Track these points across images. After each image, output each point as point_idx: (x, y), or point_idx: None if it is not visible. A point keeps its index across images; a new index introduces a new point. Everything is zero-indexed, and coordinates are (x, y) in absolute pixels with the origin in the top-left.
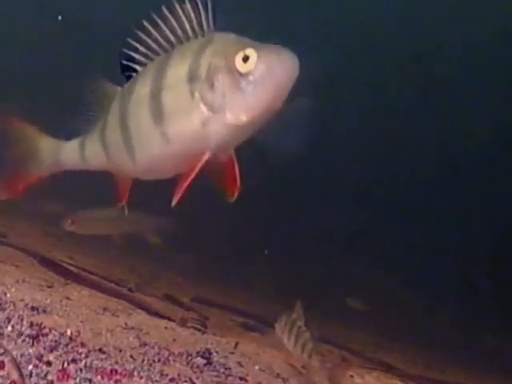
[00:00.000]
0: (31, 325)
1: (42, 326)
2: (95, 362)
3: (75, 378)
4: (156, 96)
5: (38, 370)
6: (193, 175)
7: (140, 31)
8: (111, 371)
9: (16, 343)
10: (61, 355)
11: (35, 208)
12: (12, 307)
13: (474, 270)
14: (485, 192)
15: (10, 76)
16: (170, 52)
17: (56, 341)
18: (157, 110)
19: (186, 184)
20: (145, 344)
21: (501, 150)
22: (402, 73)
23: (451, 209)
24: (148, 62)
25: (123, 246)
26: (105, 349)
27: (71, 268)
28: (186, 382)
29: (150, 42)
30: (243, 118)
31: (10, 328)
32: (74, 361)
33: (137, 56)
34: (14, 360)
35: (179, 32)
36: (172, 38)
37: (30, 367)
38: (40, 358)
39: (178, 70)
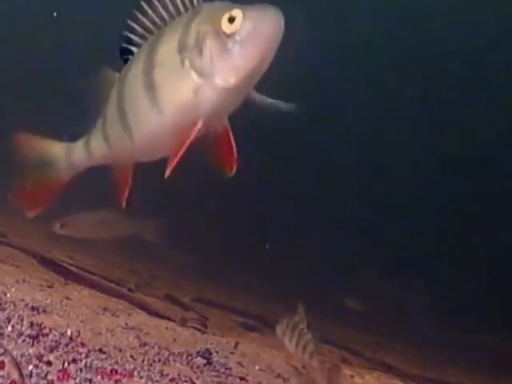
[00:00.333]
0: (31, 325)
1: (42, 326)
2: (95, 361)
3: (75, 378)
4: (149, 72)
5: (38, 370)
6: (187, 144)
7: (137, 12)
8: (111, 371)
9: (16, 343)
10: (61, 355)
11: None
12: (12, 307)
13: (474, 269)
14: (485, 191)
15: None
16: (161, 29)
17: (56, 341)
18: (150, 86)
19: (179, 154)
20: (145, 344)
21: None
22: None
23: (451, 208)
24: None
25: (117, 248)
26: (105, 349)
27: (71, 268)
28: (186, 382)
29: (146, 22)
30: (232, 80)
31: (10, 328)
32: (74, 361)
33: (135, 38)
34: (14, 360)
35: (172, 10)
36: (166, 17)
37: (30, 367)
38: (40, 357)
39: (168, 44)
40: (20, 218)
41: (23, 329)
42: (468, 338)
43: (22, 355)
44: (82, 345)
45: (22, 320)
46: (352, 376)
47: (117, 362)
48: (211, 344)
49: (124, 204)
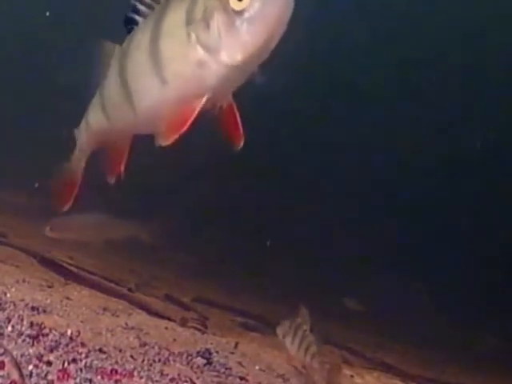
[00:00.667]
0: (31, 325)
1: (42, 325)
2: (95, 362)
3: (75, 378)
4: (154, 42)
5: (38, 370)
6: (192, 118)
7: None
8: (111, 371)
9: (16, 343)
10: (61, 355)
11: (35, 208)
12: (12, 307)
13: (474, 269)
14: (485, 191)
15: None
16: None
17: (56, 341)
18: (155, 56)
19: (183, 128)
20: (145, 344)
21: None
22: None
23: (450, 207)
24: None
25: (117, 248)
26: (105, 349)
27: (71, 268)
28: (186, 382)
29: None
30: (238, 57)
31: (10, 328)
32: (74, 361)
33: (142, 7)
34: (14, 360)
35: None
36: None
37: (30, 367)
38: (40, 357)
39: (175, 16)
40: (20, 218)
41: (23, 329)
42: (468, 337)
43: (22, 355)
44: (82, 345)
45: (22, 320)
46: (352, 376)
47: (117, 362)
48: (211, 344)
49: (113, 180)
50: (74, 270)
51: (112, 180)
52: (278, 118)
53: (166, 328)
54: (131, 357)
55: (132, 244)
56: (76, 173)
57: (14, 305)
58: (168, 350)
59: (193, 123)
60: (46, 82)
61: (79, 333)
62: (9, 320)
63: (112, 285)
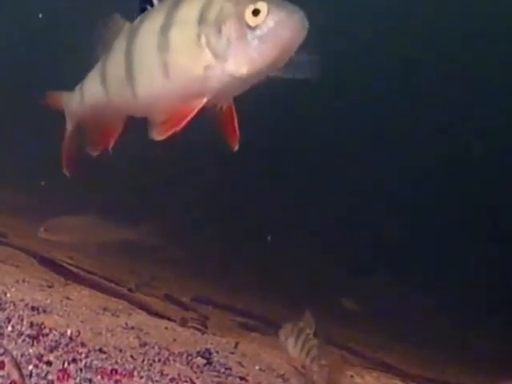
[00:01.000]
0: (31, 325)
1: (42, 326)
2: (95, 361)
3: (75, 378)
4: (164, 32)
5: (38, 370)
6: (189, 118)
7: None
8: (111, 371)
9: (16, 343)
10: (61, 355)
11: (35, 208)
12: (12, 307)
13: (474, 269)
14: (482, 191)
15: None
16: None
17: (56, 341)
18: (163, 46)
19: (179, 125)
20: (145, 344)
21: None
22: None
23: (449, 207)
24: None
25: (117, 248)
26: (105, 349)
27: (71, 268)
28: (186, 381)
29: None
30: (244, 70)
31: (10, 328)
32: (74, 361)
33: None
34: (14, 360)
35: None
36: None
37: (30, 367)
38: (40, 357)
39: (189, 10)
40: (20, 218)
41: (23, 329)
42: (468, 338)
43: (22, 355)
44: (82, 345)
45: (22, 320)
46: (352, 376)
47: (117, 362)
48: (211, 344)
49: (95, 153)
50: (74, 269)
51: (95, 153)
52: (279, 117)
53: (166, 328)
54: (131, 357)
55: (132, 244)
56: (66, 140)
57: (14, 305)
58: (168, 350)
59: (189, 123)
60: (46, 81)
61: (79, 333)
62: (9, 320)
63: (112, 285)
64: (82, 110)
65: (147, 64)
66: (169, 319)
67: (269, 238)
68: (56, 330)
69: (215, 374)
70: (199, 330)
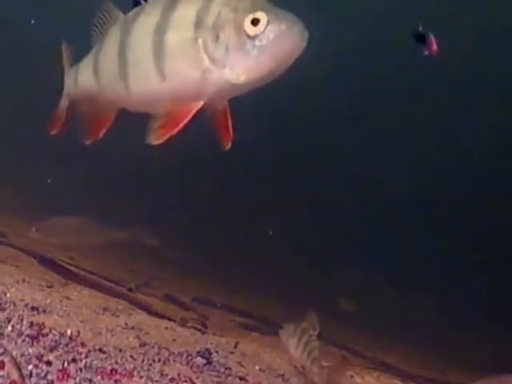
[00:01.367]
0: (31, 325)
1: (42, 325)
2: (95, 361)
3: (75, 378)
4: (160, 32)
5: (38, 370)
6: (184, 121)
7: None
8: (111, 371)
9: (16, 343)
10: (61, 355)
11: (35, 208)
12: (12, 307)
13: (474, 269)
14: (482, 191)
15: None
16: None
17: (56, 341)
18: (159, 47)
19: (175, 128)
20: (145, 344)
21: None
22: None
23: (448, 207)
24: None
25: (117, 248)
26: (105, 349)
27: (71, 268)
28: (186, 381)
29: None
30: (241, 78)
31: (9, 328)
32: (74, 361)
33: None
34: (13, 360)
35: None
36: None
37: (30, 367)
38: (40, 357)
39: (186, 11)
40: (20, 218)
41: (23, 329)
42: (468, 338)
43: (21, 355)
44: (82, 345)
45: (22, 320)
46: (352, 376)
47: (117, 362)
48: (211, 344)
49: (87, 142)
50: (74, 269)
51: (86, 142)
52: (281, 117)
53: (166, 328)
54: (131, 357)
55: (132, 244)
56: (60, 110)
57: (14, 305)
58: (168, 349)
59: (185, 126)
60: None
61: (79, 333)
62: (9, 320)
63: (112, 285)
64: (75, 92)
65: (142, 62)
66: (169, 319)
67: (270, 232)
68: (56, 330)
69: (215, 373)
70: (199, 330)
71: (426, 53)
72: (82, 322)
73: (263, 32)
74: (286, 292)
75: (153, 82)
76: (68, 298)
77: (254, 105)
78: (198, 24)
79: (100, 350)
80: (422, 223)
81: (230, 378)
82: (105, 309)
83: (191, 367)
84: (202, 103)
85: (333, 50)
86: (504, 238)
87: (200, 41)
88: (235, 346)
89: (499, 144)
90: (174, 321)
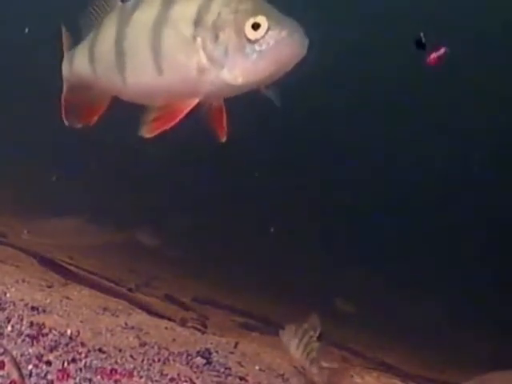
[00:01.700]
0: (31, 325)
1: (42, 325)
2: (95, 361)
3: (75, 378)
4: (159, 26)
5: (38, 370)
6: (179, 117)
7: None
8: (111, 371)
9: (16, 343)
10: (61, 355)
11: (35, 208)
12: (12, 307)
13: (474, 269)
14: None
15: None
16: None
17: (56, 341)
18: (157, 41)
19: (169, 123)
20: (145, 344)
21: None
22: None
23: (449, 207)
24: None
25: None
26: (105, 349)
27: (71, 268)
28: (185, 381)
29: None
30: (239, 80)
31: (9, 328)
32: (73, 360)
33: None
34: (13, 360)
35: None
36: None
37: (30, 367)
38: (40, 357)
39: (186, 7)
40: (20, 218)
41: (23, 329)
42: (468, 337)
43: (21, 355)
44: (82, 345)
45: (22, 320)
46: (352, 376)
47: (116, 362)
48: (211, 344)
49: (77, 126)
50: (74, 269)
51: (76, 126)
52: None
53: (166, 328)
54: (131, 357)
55: (132, 244)
56: (64, 94)
57: (14, 305)
58: (168, 349)
59: (180, 122)
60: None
61: (79, 333)
62: (9, 320)
63: (112, 285)
64: (70, 76)
65: (140, 54)
66: (169, 319)
67: (271, 229)
68: (56, 330)
69: (215, 373)
70: (199, 329)
71: (427, 61)
72: (81, 321)
73: (263, 37)
74: (285, 292)
75: (149, 75)
76: (68, 298)
77: (254, 105)
78: (198, 22)
79: (100, 349)
80: (422, 223)
81: (229, 377)
82: (105, 309)
83: (191, 367)
84: (197, 100)
85: (332, 50)
86: (504, 237)
87: (199, 39)
88: (235, 346)
89: (499, 144)
90: (174, 321)
